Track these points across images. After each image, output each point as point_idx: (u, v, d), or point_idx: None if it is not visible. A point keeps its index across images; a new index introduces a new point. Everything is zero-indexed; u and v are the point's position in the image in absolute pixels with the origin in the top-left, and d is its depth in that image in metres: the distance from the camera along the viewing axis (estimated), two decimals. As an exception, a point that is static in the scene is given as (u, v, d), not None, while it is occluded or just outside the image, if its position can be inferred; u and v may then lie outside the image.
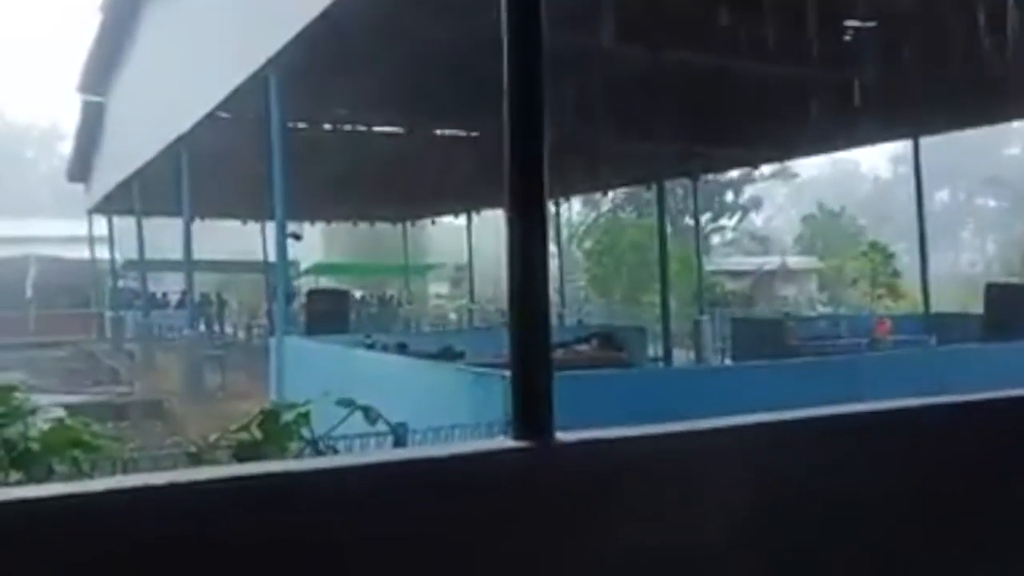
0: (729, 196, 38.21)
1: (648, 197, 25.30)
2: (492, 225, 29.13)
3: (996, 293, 11.64)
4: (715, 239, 38.87)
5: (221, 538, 1.36)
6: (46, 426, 3.16)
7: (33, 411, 3.02)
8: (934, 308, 14.38)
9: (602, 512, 1.67)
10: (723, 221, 38.92)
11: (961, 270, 40.46)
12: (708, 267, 24.83)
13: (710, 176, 26.29)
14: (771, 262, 34.97)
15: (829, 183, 43.71)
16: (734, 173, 30.65)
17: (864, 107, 12.16)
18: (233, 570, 1.36)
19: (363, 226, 28.56)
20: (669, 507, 1.75)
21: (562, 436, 1.71)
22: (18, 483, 2.95)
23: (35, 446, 3.06)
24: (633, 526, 1.69)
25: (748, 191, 38.65)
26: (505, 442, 1.69)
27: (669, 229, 18.14)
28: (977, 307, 11.52)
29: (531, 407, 1.70)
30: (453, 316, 28.86)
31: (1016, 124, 12.26)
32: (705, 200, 32.13)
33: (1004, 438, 2.12)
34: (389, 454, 1.88)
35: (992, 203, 49.04)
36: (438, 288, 38.02)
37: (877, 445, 2.02)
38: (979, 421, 2.20)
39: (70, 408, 4.48)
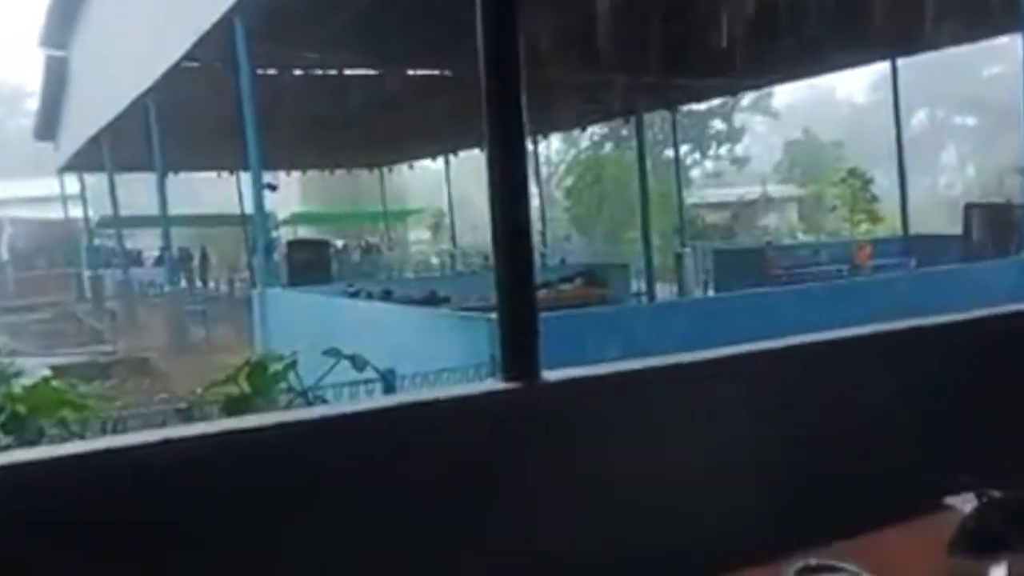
0: (711, 128, 38.04)
1: (627, 132, 25.15)
2: (470, 167, 28.93)
3: (974, 214, 11.73)
4: (695, 172, 38.79)
5: (217, 490, 1.37)
6: (32, 388, 3.14)
7: (17, 374, 3.01)
8: (913, 231, 14.49)
9: (592, 447, 1.69)
10: (708, 152, 38.81)
11: (940, 192, 40.67)
12: (689, 200, 24.84)
13: (689, 107, 26.10)
14: (751, 192, 34.99)
15: (806, 111, 43.48)
16: (714, 103, 30.40)
17: (841, 28, 12.03)
18: (233, 521, 1.37)
19: (340, 173, 28.25)
20: (657, 438, 1.77)
21: (549, 375, 1.72)
22: (8, 447, 2.95)
23: (22, 409, 3.05)
24: (623, 458, 1.71)
25: (730, 121, 38.46)
26: (494, 384, 1.70)
27: (649, 163, 18.06)
28: (957, 228, 11.61)
29: (518, 348, 1.70)
30: (435, 261, 28.81)
31: (999, 41, 12.13)
32: (685, 132, 31.99)
33: (987, 354, 2.15)
34: (379, 401, 1.88)
35: (971, 123, 49.05)
36: (419, 234, 37.86)
37: (865, 368, 2.04)
38: (964, 339, 2.22)
39: (54, 370, 4.46)
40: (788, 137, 41.10)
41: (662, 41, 12.80)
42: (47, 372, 3.23)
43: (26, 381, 3.00)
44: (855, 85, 50.17)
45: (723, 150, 39.71)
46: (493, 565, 1.59)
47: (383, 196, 28.12)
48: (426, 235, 37.32)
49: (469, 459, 1.58)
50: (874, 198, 25.23)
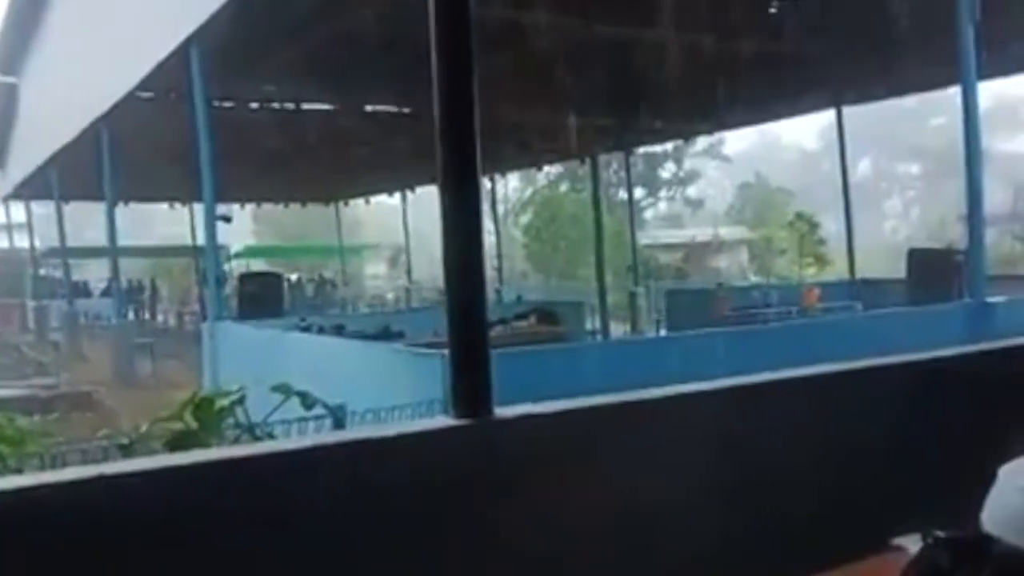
0: (664, 172, 38.74)
1: (583, 172, 25.46)
2: (427, 202, 28.92)
3: (918, 258, 12.06)
4: (649, 213, 39.35)
5: (156, 527, 1.34)
6: (-35, 423, 3.04)
7: (-49, 407, 2.91)
8: (860, 274, 14.83)
9: (544, 483, 1.70)
10: (661, 194, 39.44)
11: (885, 237, 41.79)
12: (642, 240, 25.12)
13: (642, 150, 26.52)
14: (703, 234, 35.58)
15: (755, 157, 44.55)
16: (668, 147, 31.00)
17: (789, 78, 12.38)
18: (182, 555, 1.34)
19: (294, 207, 28.05)
20: (608, 475, 1.78)
21: (501, 412, 1.73)
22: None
23: (-46, 443, 2.94)
24: (574, 494, 1.72)
25: (681, 165, 39.20)
26: (446, 421, 1.70)
27: (604, 204, 18.28)
28: (901, 272, 11.92)
29: (470, 385, 1.71)
30: (391, 296, 28.65)
31: (945, 93, 12.60)
32: (639, 175, 32.49)
33: (935, 393, 2.21)
34: (329, 437, 1.86)
35: (915, 170, 50.65)
36: (375, 269, 37.67)
37: (813, 407, 2.08)
38: (913, 379, 2.28)
39: (-8, 403, 4.33)
40: (740, 180, 42.01)
41: (617, 85, 13.05)
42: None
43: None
44: (804, 132, 51.60)
45: (676, 193, 40.44)
46: None
47: (339, 230, 27.97)
48: (382, 270, 37.15)
49: (420, 494, 1.58)
50: (821, 241, 25.81)
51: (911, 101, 20.42)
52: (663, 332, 13.84)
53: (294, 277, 27.19)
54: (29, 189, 22.79)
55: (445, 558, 1.61)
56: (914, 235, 38.04)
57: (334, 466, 1.55)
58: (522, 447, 1.74)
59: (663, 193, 39.86)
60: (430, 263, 28.87)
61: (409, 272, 27.05)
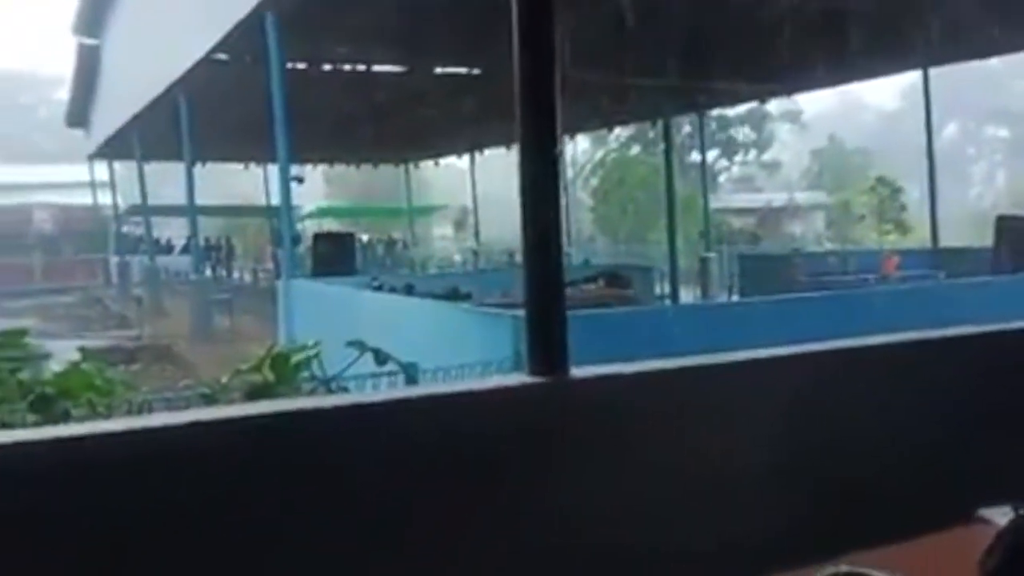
0: (738, 134, 37.82)
1: (655, 134, 25.05)
2: (495, 164, 28.89)
3: (1005, 226, 11.56)
4: (722, 177, 38.56)
5: (241, 472, 1.38)
6: (60, 370, 3.18)
7: (46, 356, 3.05)
8: (943, 243, 14.30)
9: (617, 444, 1.69)
10: (736, 158, 38.58)
11: (970, 204, 40.16)
12: (715, 205, 24.68)
13: (716, 112, 25.92)
14: (778, 199, 34.75)
15: (835, 119, 43.10)
16: (742, 109, 30.20)
17: (873, 37, 11.89)
18: (261, 505, 1.39)
19: (365, 168, 28.35)
20: (683, 439, 1.76)
21: (577, 371, 1.72)
22: (35, 425, 2.98)
23: (50, 390, 3.09)
24: (648, 456, 1.71)
25: (756, 127, 38.20)
26: (522, 378, 1.70)
27: (676, 167, 17.97)
28: (987, 240, 11.43)
29: (546, 344, 1.70)
30: (457, 258, 28.85)
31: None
32: (713, 138, 31.81)
33: (1006, 368, 2.12)
34: (406, 391, 1.89)
35: (1004, 134, 48.37)
36: (442, 230, 37.92)
37: (896, 376, 2.02)
38: (996, 351, 2.19)
39: (81, 352, 4.50)
40: (816, 144, 40.78)
41: (691, 44, 12.73)
42: (75, 355, 3.26)
43: (56, 366, 3.04)
44: (884, 94, 49.68)
45: (750, 156, 39.45)
46: (514, 556, 1.59)
47: (408, 191, 28.19)
48: (449, 231, 37.37)
49: (495, 450, 1.59)
50: (903, 208, 24.96)
51: (994, 63, 19.42)
52: (735, 298, 13.62)
53: (364, 237, 27.58)
54: (112, 148, 23.54)
55: (516, 513, 1.62)
56: (999, 202, 36.49)
57: (412, 419, 1.57)
58: (597, 407, 1.74)
59: (738, 157, 38.95)
60: (497, 225, 28.91)
61: (476, 234, 27.16)
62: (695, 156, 26.04)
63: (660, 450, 1.75)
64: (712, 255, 16.87)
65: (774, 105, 31.15)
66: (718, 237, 21.34)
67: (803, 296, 8.36)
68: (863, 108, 49.42)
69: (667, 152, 13.59)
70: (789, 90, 19.46)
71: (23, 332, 2.98)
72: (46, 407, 3.01)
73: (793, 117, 38.44)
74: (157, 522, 1.32)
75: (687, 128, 26.99)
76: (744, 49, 13.23)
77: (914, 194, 24.80)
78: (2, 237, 30.82)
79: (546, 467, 1.64)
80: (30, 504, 1.25)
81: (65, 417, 3.03)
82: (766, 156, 39.91)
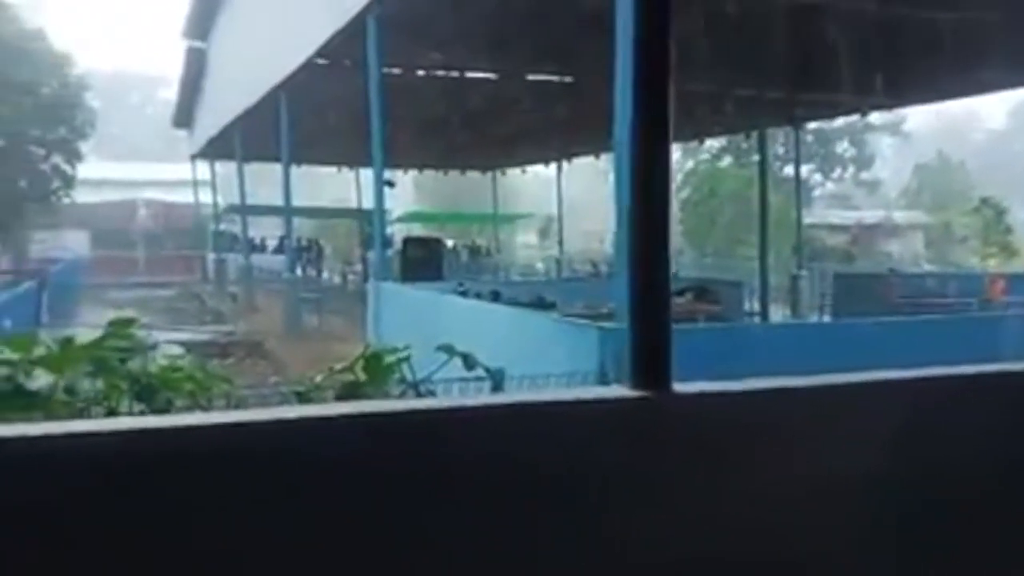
0: (836, 148, 36.73)
1: (748, 146, 24.57)
2: (581, 173, 28.81)
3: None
4: (817, 192, 37.51)
5: (351, 470, 1.39)
6: (164, 361, 3.29)
7: (153, 346, 3.16)
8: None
9: (718, 462, 1.65)
10: (832, 175, 37.46)
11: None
12: (807, 220, 24.04)
13: (813, 125, 25.24)
14: (873, 216, 33.62)
15: (939, 134, 41.46)
16: (841, 122, 29.29)
17: (986, 50, 11.38)
18: (364, 498, 1.40)
19: (453, 174, 28.69)
20: (783, 459, 1.71)
21: (679, 387, 1.68)
22: (141, 413, 3.10)
23: (155, 381, 3.20)
24: (750, 478, 1.66)
25: (855, 142, 37.01)
26: (622, 391, 1.67)
27: (769, 180, 17.56)
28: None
29: (650, 357, 1.67)
30: (540, 266, 28.88)
31: None
32: (809, 151, 30.99)
33: None
34: (509, 397, 1.88)
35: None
36: (526, 238, 38.04)
37: (1006, 406, 1.91)
38: None
39: (179, 345, 4.65)
40: (917, 160, 39.28)
41: (792, 54, 12.44)
42: (178, 349, 3.37)
43: (161, 360, 3.14)
44: (992, 111, 47.55)
45: (847, 172, 38.23)
46: (606, 571, 1.56)
47: (494, 198, 28.39)
48: (532, 239, 37.45)
49: (592, 461, 1.57)
50: (1008, 230, 23.81)
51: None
52: (826, 318, 13.21)
53: (450, 243, 27.89)
54: (214, 149, 24.46)
55: (613, 524, 1.59)
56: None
57: (511, 424, 1.56)
58: (699, 424, 1.69)
59: (835, 173, 37.79)
60: (582, 235, 28.82)
61: (560, 242, 27.12)
62: (788, 170, 25.44)
63: (761, 470, 1.70)
64: (803, 273, 16.42)
65: (876, 118, 30.18)
66: (810, 254, 20.76)
67: (902, 319, 8.04)
68: (969, 125, 47.44)
69: (762, 165, 13.30)
70: (893, 104, 18.81)
71: (132, 322, 3.07)
72: (151, 397, 3.11)
73: (894, 129, 37.07)
74: (264, 515, 1.34)
75: (781, 140, 26.38)
76: (847, 60, 12.84)
77: (1021, 215, 23.66)
78: (110, 231, 32.36)
79: (643, 482, 1.61)
80: (143, 488, 1.28)
81: (168, 407, 3.12)
82: (865, 174, 38.59)
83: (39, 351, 2.99)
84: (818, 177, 37.43)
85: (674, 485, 1.63)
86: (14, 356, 2.90)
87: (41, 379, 2.88)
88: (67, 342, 3.04)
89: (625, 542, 1.58)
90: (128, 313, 15.76)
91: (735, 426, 1.70)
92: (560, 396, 1.67)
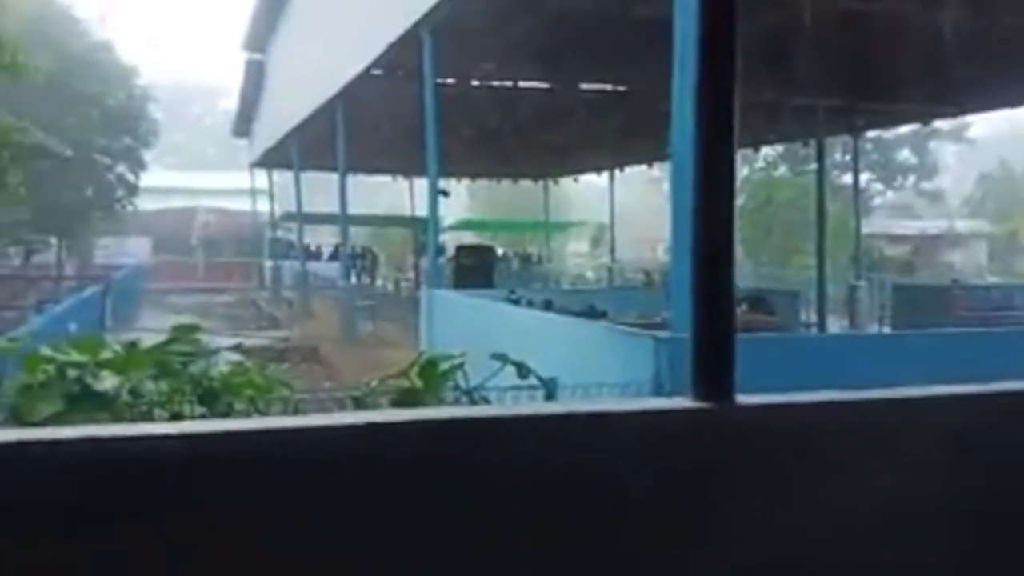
0: (897, 157, 35.89)
1: (804, 154, 24.17)
2: (634, 182, 28.66)
3: None
4: (876, 201, 36.69)
5: (396, 478, 1.39)
6: (225, 367, 3.36)
7: (216, 351, 3.23)
8: None
9: (785, 477, 1.61)
10: (894, 183, 36.60)
11: None
12: (866, 230, 23.53)
13: (872, 133, 24.74)
14: (935, 226, 32.77)
15: (1004, 141, 40.26)
16: (903, 130, 28.60)
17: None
18: (428, 503, 1.40)
19: (506, 183, 28.79)
20: (851, 473, 1.67)
21: (743, 398, 1.65)
22: (202, 417, 3.16)
23: (216, 384, 3.27)
24: (815, 492, 1.62)
25: (917, 151, 36.12)
26: (685, 402, 1.64)
27: (827, 189, 17.23)
28: None
29: (713, 367, 1.64)
30: (591, 275, 28.79)
31: None
32: (869, 160, 30.37)
33: None
34: (568, 406, 1.87)
35: None
36: (576, 246, 37.97)
37: None
38: None
39: (243, 352, 4.73)
40: (981, 168, 38.19)
41: (850, 62, 12.21)
42: (237, 355, 3.44)
43: (223, 364, 3.20)
44: (1063, 117, 45.95)
45: (909, 181, 37.29)
46: None
47: (546, 207, 28.42)
48: (583, 247, 37.36)
49: (653, 473, 1.54)
50: (1080, 240, 22.99)
51: None
52: (886, 329, 12.90)
53: (500, 251, 27.98)
54: (271, 158, 24.95)
55: (674, 542, 1.56)
56: None
57: (570, 434, 1.55)
58: (764, 437, 1.66)
59: (896, 182, 36.91)
60: (633, 243, 28.64)
61: (612, 251, 27.01)
62: (847, 179, 24.96)
63: (826, 484, 1.66)
64: (862, 283, 16.07)
65: (939, 127, 29.45)
66: (869, 264, 20.31)
67: (967, 331, 7.80)
68: (1036, 132, 45.96)
69: (819, 174, 13.07)
70: (957, 111, 18.35)
71: (196, 328, 3.15)
72: (212, 400, 3.17)
73: (958, 135, 36.08)
74: (329, 520, 1.35)
75: (840, 149, 25.89)
76: (908, 67, 12.57)
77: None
78: (170, 238, 33.22)
79: (705, 494, 1.58)
80: (214, 492, 1.30)
81: (229, 411, 3.18)
82: (927, 184, 37.61)
83: (106, 354, 3.08)
84: (878, 186, 36.62)
85: (737, 497, 1.60)
86: (83, 359, 2.99)
87: (108, 381, 2.96)
88: (132, 346, 3.12)
89: (688, 554, 1.56)
90: (187, 318, 16.12)
91: (800, 439, 1.67)
92: (622, 406, 1.66)
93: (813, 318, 13.18)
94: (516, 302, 10.22)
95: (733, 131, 1.64)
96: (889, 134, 31.68)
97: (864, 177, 30.05)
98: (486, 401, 4.20)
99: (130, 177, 22.61)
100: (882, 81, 13.59)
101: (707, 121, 1.64)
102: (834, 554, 1.65)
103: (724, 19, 1.64)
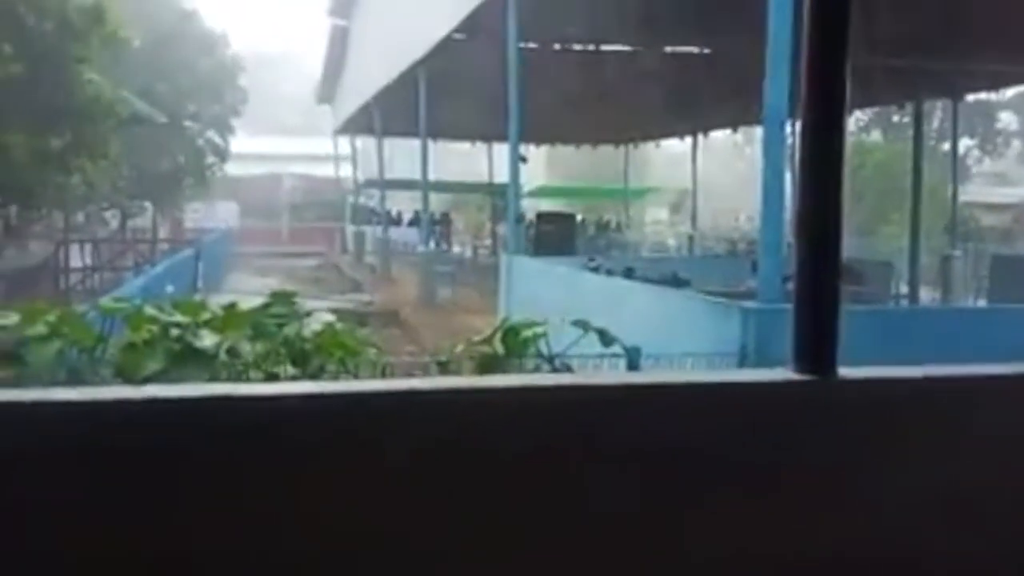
0: (998, 121, 34.09)
1: (899, 119, 23.21)
2: (717, 147, 27.99)
3: None
4: (975, 169, 35.00)
5: (506, 443, 1.41)
6: (318, 327, 3.44)
7: (308, 313, 3.31)
8: None
9: (887, 450, 1.59)
10: (992, 149, 34.85)
11: None
12: (963, 198, 22.51)
13: (973, 97, 23.53)
14: (1038, 194, 31.13)
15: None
16: (1010, 93, 27.13)
17: None
18: (517, 469, 1.42)
19: (585, 149, 28.51)
20: (955, 450, 1.62)
21: (845, 372, 1.61)
22: (294, 378, 3.26)
23: (308, 346, 3.35)
24: (918, 467, 1.59)
25: (1020, 113, 34.23)
26: (787, 374, 1.61)
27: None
28: None
29: (817, 340, 1.60)
30: (672, 243, 28.37)
31: None
32: (970, 125, 28.98)
33: None
34: (667, 375, 1.86)
35: None
36: (656, 214, 37.43)
37: None
38: None
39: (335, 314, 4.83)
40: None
41: (951, 21, 11.60)
42: (331, 316, 3.51)
43: (315, 326, 3.27)
44: None
45: (1012, 148, 35.42)
46: (768, 560, 1.53)
47: (625, 173, 28.06)
48: (664, 215, 36.81)
49: (757, 445, 1.53)
50: None
51: None
52: (982, 302, 12.36)
53: (579, 218, 27.79)
54: (354, 124, 25.27)
55: (778, 514, 1.55)
56: None
57: (669, 403, 1.54)
58: (866, 411, 1.62)
59: (998, 147, 35.10)
60: (712, 212, 28.05)
61: (693, 219, 26.55)
62: (944, 146, 23.86)
63: (933, 459, 1.62)
64: (957, 253, 15.42)
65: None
66: (964, 233, 19.45)
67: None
68: None
69: (916, 139, 12.53)
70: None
71: (293, 294, 3.23)
72: (305, 361, 3.26)
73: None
74: (438, 484, 1.38)
75: (938, 114, 24.75)
76: (1015, 26, 11.86)
77: None
78: (257, 203, 34.11)
79: (809, 467, 1.57)
80: (327, 448, 1.35)
81: (320, 372, 3.26)
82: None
83: (205, 315, 3.19)
84: (977, 153, 34.91)
85: (842, 471, 1.58)
86: (184, 319, 3.11)
87: (207, 339, 3.07)
88: (231, 307, 3.22)
89: (791, 528, 1.54)
90: (273, 281, 16.59)
91: (905, 414, 1.63)
92: (720, 377, 1.64)
93: (905, 289, 12.73)
94: (596, 270, 10.16)
95: (844, 98, 1.59)
96: (991, 99, 30.10)
97: (963, 143, 28.70)
98: (568, 368, 4.21)
99: (219, 143, 23.23)
100: (982, 41, 12.89)
101: (816, 89, 1.59)
102: (937, 525, 1.62)
103: None
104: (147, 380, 2.92)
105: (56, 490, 1.25)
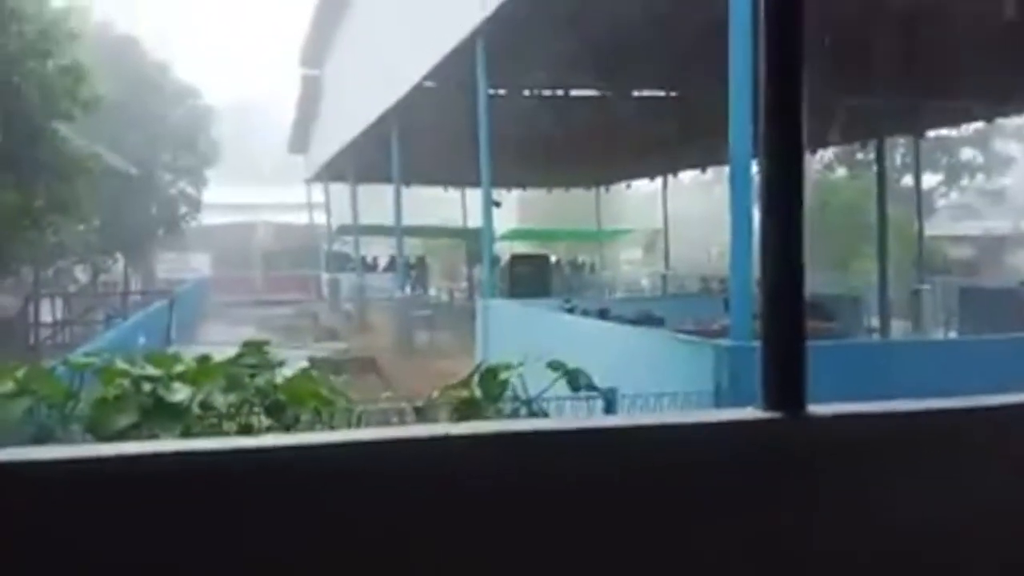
0: (963, 155, 34.86)
1: (863, 156, 23.68)
2: (686, 188, 28.31)
3: None
4: (940, 202, 35.64)
5: (480, 487, 1.41)
6: (288, 373, 3.42)
7: (281, 363, 3.29)
8: None
9: (857, 488, 1.58)
10: (959, 182, 35.57)
11: None
12: (928, 232, 22.92)
13: (933, 133, 24.09)
14: (1001, 227, 31.76)
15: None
16: (968, 129, 27.79)
17: None
18: (512, 518, 1.41)
19: (557, 192, 28.76)
20: (926, 487, 1.62)
21: (815, 408, 1.63)
22: (269, 429, 3.22)
23: (282, 396, 3.33)
24: (889, 504, 1.59)
25: (983, 150, 35.04)
26: (754, 412, 1.62)
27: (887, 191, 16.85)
28: None
29: (783, 376, 1.62)
30: (645, 282, 28.54)
31: None
32: (932, 160, 29.59)
33: None
34: (638, 418, 1.86)
35: None
36: (629, 253, 37.68)
37: None
38: None
39: (309, 363, 4.80)
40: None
41: (910, 60, 11.92)
42: (305, 364, 3.50)
43: (288, 375, 3.26)
44: None
45: (974, 181, 36.18)
46: None
47: (598, 215, 28.29)
48: (636, 255, 37.05)
49: (725, 485, 1.53)
50: None
51: None
52: (952, 334, 12.53)
53: (553, 259, 27.90)
54: (327, 172, 25.34)
55: (746, 555, 1.54)
56: None
57: (641, 446, 1.54)
58: (837, 447, 1.63)
59: (960, 182, 35.82)
60: (686, 247, 28.28)
61: (666, 258, 26.76)
62: (907, 181, 24.34)
63: (903, 496, 1.62)
64: (926, 286, 15.66)
65: (1004, 121, 28.52)
66: (931, 267, 19.78)
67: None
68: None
69: (880, 176, 12.80)
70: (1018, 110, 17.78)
71: (265, 343, 3.22)
72: (279, 412, 3.23)
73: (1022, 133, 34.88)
74: (416, 531, 1.37)
75: (900, 150, 25.28)
76: (971, 64, 12.22)
77: None
78: (229, 252, 33.96)
79: (779, 505, 1.56)
80: (306, 505, 1.33)
81: (295, 422, 3.23)
82: (991, 184, 36.42)
83: (178, 368, 3.17)
84: (941, 188, 35.63)
85: (811, 508, 1.58)
86: (156, 372, 3.08)
87: (180, 392, 3.04)
88: (204, 359, 3.20)
89: (762, 565, 1.54)
90: (248, 331, 16.45)
91: (873, 448, 1.64)
92: (690, 418, 1.65)
93: (876, 323, 12.88)
94: (571, 311, 10.19)
95: (801, 137, 1.63)
96: (952, 134, 30.82)
97: (928, 178, 29.31)
98: (544, 412, 4.20)
99: (192, 193, 23.19)
100: (942, 80, 13.25)
101: (774, 130, 1.63)
102: (908, 565, 1.61)
103: (791, 22, 1.62)
104: (120, 435, 2.89)
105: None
